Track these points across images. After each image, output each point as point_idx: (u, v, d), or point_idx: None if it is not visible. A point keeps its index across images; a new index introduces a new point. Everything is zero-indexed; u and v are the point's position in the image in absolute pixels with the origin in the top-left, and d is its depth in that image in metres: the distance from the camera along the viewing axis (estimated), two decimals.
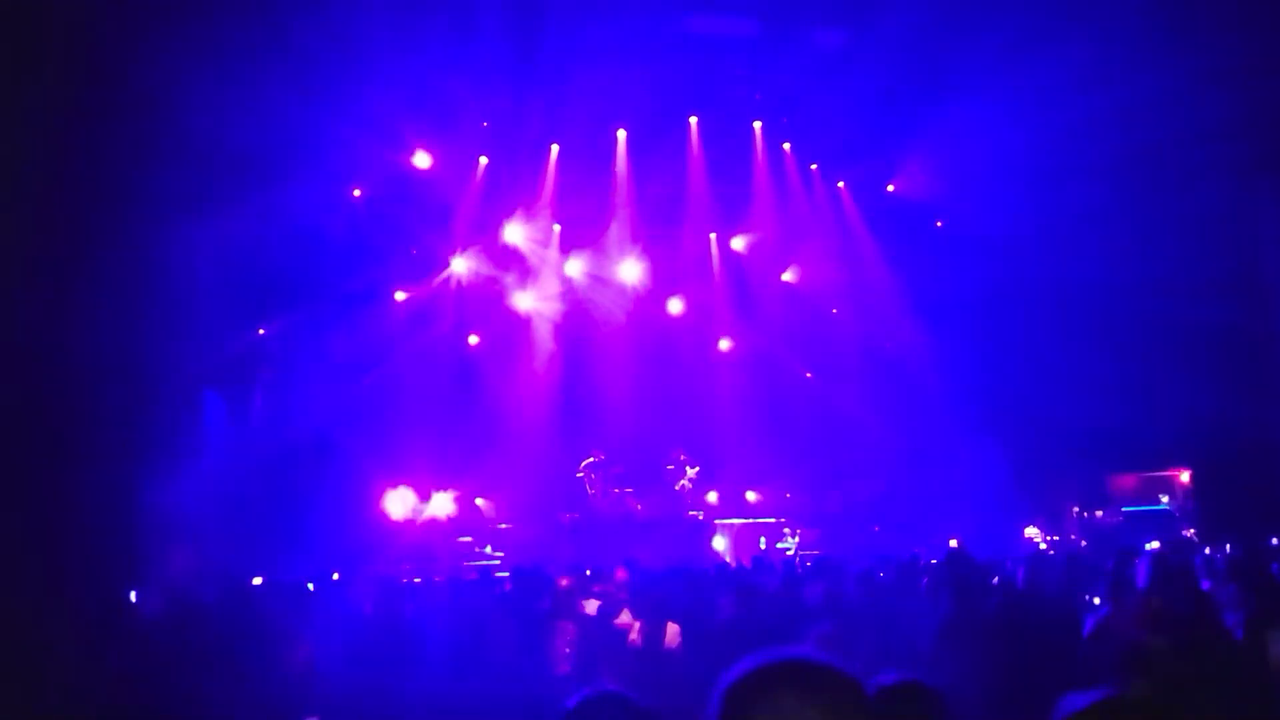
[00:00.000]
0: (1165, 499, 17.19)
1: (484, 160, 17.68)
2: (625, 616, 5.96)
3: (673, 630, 5.55)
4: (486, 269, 18.73)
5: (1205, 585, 6.36)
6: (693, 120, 17.79)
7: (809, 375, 20.26)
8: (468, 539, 16.66)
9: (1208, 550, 10.19)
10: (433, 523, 17.11)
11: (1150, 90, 13.18)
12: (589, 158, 18.02)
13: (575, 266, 19.04)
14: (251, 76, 12.07)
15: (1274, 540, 10.99)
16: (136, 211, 11.52)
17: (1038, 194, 16.06)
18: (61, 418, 10.40)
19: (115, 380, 11.05)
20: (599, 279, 19.07)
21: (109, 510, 10.60)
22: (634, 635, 5.66)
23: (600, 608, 6.36)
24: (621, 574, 6.93)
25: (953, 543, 13.48)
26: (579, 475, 17.81)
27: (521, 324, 19.01)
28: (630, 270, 18.66)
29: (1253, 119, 13.20)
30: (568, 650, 5.63)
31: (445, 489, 17.31)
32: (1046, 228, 16.25)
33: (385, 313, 18.14)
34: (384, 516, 16.72)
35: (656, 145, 17.73)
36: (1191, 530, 15.39)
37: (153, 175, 11.55)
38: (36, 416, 10.05)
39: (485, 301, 18.99)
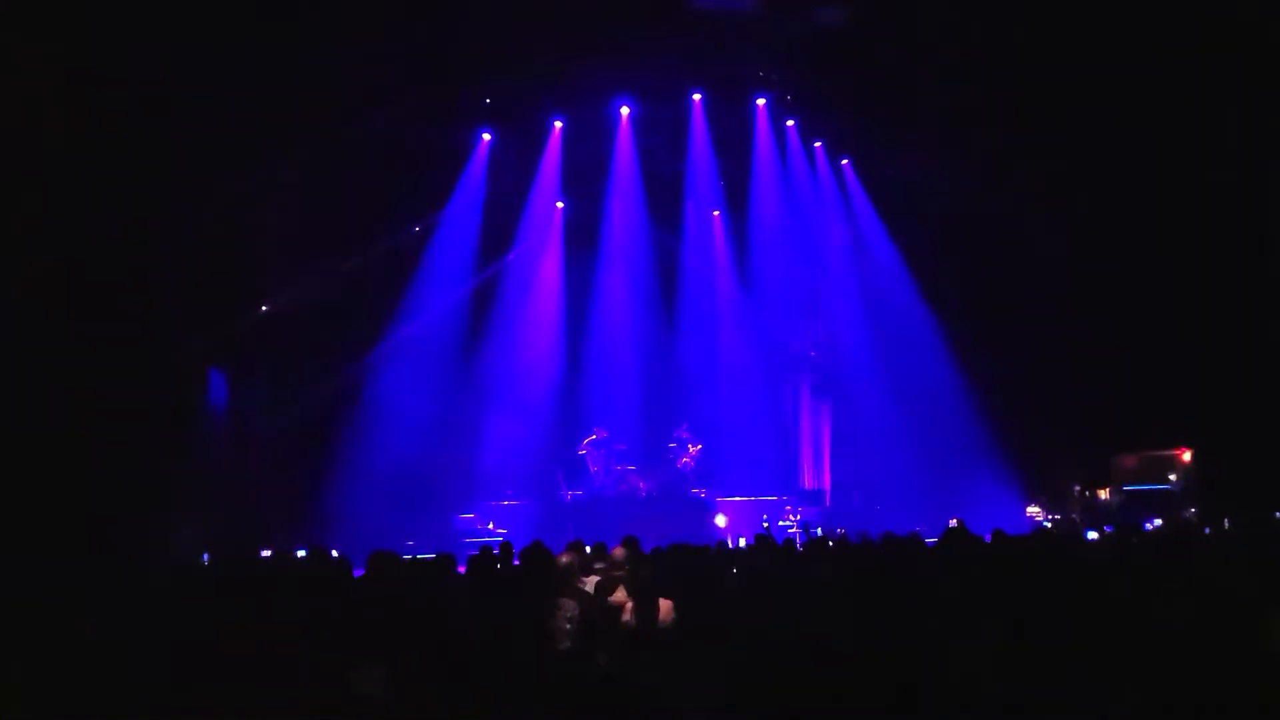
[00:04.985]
0: (1173, 477, 17.19)
1: (487, 137, 17.62)
2: (621, 594, 5.96)
3: (666, 606, 5.53)
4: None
5: None
6: (696, 97, 17.71)
7: (813, 354, 20.28)
8: (469, 515, 16.74)
9: (1208, 530, 10.20)
10: None
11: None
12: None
13: None
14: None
15: (1277, 515, 10.95)
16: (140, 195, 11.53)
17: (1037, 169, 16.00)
18: (72, 400, 10.44)
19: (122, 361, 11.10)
20: None
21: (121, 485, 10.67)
22: (627, 615, 5.64)
23: (599, 584, 6.37)
24: (619, 552, 6.91)
25: (953, 521, 13.51)
26: (582, 452, 17.85)
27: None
28: None
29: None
30: (568, 626, 5.63)
31: None
32: (1047, 205, 16.20)
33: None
34: None
35: (661, 121, 17.67)
36: (1193, 509, 15.40)
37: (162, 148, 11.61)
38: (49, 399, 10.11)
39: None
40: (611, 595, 5.96)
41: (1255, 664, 3.96)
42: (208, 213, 13.09)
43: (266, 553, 9.18)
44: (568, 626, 5.58)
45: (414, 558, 7.67)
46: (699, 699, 3.93)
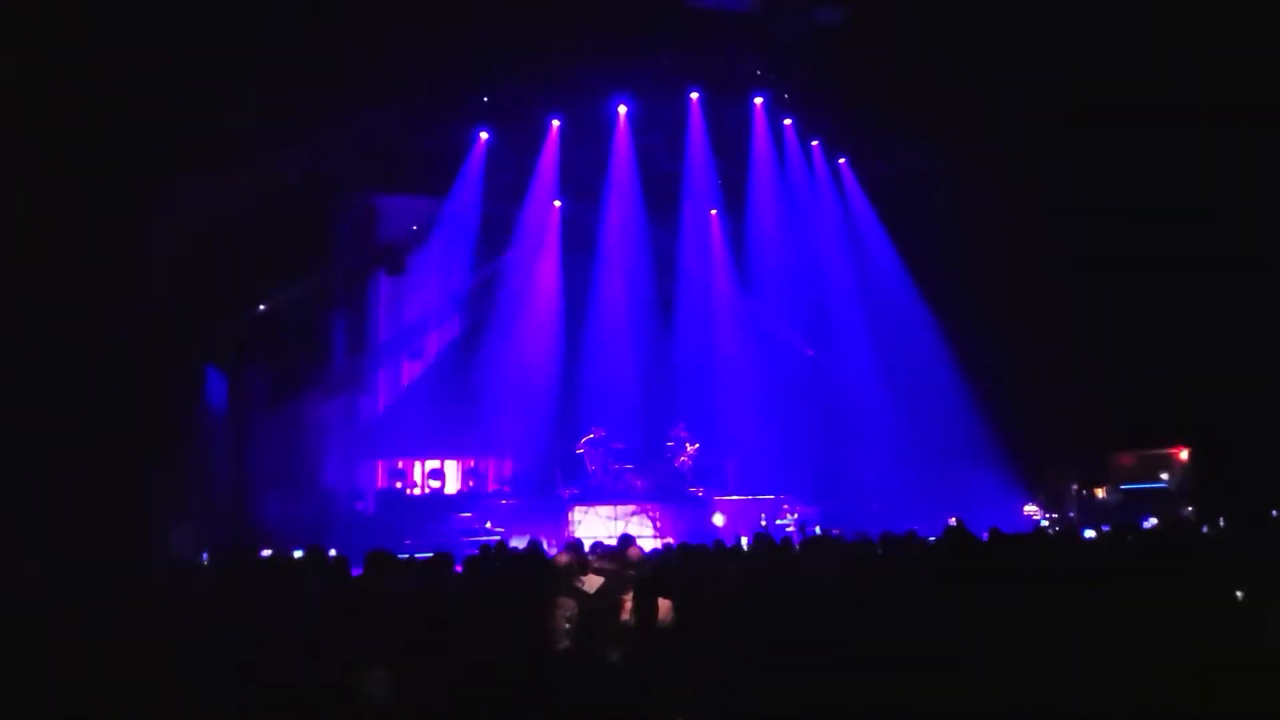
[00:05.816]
0: (1165, 476, 17.23)
1: (484, 136, 17.61)
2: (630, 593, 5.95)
3: (665, 606, 5.54)
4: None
5: None
6: (694, 96, 17.70)
7: (810, 353, 20.27)
8: (467, 514, 16.74)
9: (1205, 528, 10.21)
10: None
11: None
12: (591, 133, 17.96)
13: None
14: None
15: (1274, 512, 10.96)
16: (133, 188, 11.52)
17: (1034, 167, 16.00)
18: (71, 399, 10.45)
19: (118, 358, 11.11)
20: None
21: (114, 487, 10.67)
22: (626, 615, 5.64)
23: (606, 584, 6.36)
24: (634, 551, 6.92)
25: (953, 520, 13.51)
26: (579, 451, 17.83)
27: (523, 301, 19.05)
28: None
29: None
30: (566, 625, 5.64)
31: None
32: (1044, 204, 16.21)
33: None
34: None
35: (657, 120, 17.66)
36: (1190, 508, 15.43)
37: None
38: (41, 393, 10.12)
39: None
40: (622, 594, 5.96)
41: (1253, 663, 3.97)
42: (206, 213, 13.06)
43: (266, 553, 9.20)
44: (567, 626, 5.59)
45: (412, 557, 7.67)
46: (699, 699, 3.94)
